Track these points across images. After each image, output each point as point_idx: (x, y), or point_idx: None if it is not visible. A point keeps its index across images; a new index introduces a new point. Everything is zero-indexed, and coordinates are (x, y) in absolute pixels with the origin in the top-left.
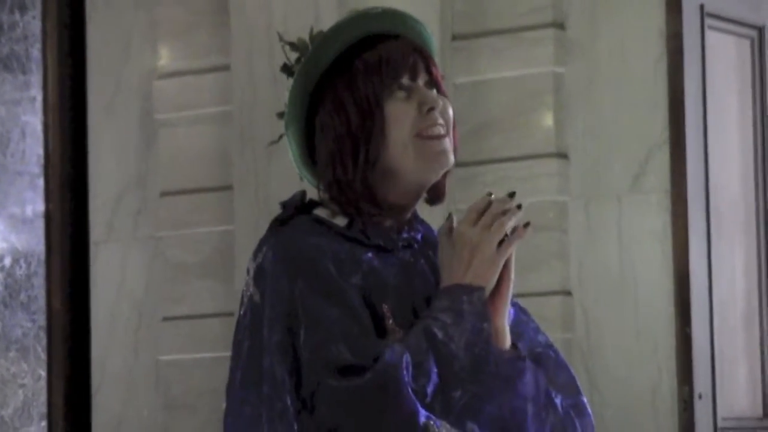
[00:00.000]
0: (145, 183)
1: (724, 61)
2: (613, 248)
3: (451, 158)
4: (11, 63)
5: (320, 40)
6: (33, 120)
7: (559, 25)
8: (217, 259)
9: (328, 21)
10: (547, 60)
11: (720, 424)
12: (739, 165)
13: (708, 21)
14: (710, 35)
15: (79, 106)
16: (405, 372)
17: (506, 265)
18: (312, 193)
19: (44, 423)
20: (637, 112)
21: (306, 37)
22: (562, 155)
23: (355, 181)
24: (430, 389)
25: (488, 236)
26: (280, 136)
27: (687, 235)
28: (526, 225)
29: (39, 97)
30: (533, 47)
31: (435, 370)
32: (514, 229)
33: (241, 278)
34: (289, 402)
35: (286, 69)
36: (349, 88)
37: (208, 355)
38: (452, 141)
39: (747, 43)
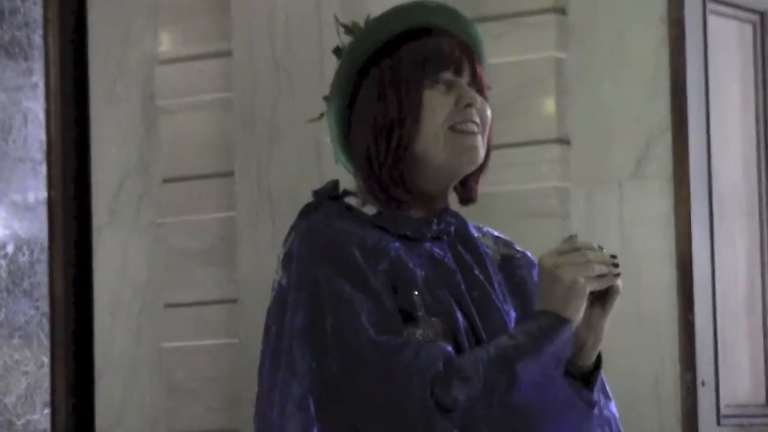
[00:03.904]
0: (147, 169)
1: (726, 46)
2: (615, 234)
3: (481, 155)
4: (13, 49)
5: (371, 24)
6: (35, 106)
7: (561, 11)
8: (219, 245)
9: (328, 7)
10: (548, 45)
11: (723, 411)
12: (741, 150)
13: (710, 5)
14: (712, 20)
15: (80, 92)
16: (427, 374)
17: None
18: (346, 182)
19: (47, 410)
20: (639, 97)
21: (361, 22)
22: (564, 141)
23: (386, 163)
24: (456, 405)
25: (572, 266)
26: (321, 115)
27: (689, 221)
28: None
29: (41, 84)
30: (534, 32)
31: (478, 389)
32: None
33: (243, 265)
34: (307, 386)
35: (338, 52)
36: (391, 72)
37: (210, 341)
38: (485, 142)
39: (749, 27)
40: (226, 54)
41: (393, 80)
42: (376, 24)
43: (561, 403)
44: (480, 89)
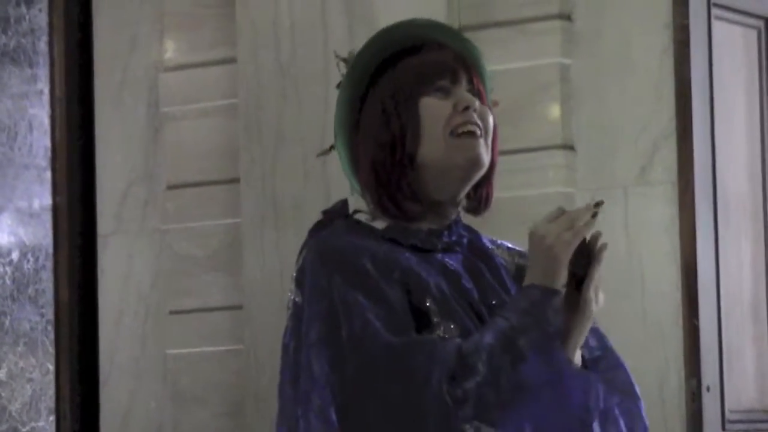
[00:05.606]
0: (152, 176)
1: (731, 52)
2: (620, 240)
3: (484, 158)
4: (18, 56)
5: (362, 49)
6: (40, 113)
7: (566, 17)
8: (224, 252)
9: (334, 14)
10: (553, 51)
11: (728, 416)
12: (746, 156)
13: (715, 11)
14: (717, 26)
15: (86, 99)
16: (442, 372)
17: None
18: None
19: (52, 417)
20: (644, 103)
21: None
22: (569, 147)
23: (393, 176)
24: (467, 395)
25: (563, 235)
26: (330, 147)
27: (694, 227)
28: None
29: (46, 90)
30: (540, 39)
31: (485, 375)
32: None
33: (248, 271)
34: (328, 397)
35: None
36: (389, 87)
37: (215, 348)
38: (489, 146)
39: (754, 33)
40: (231, 61)
41: (391, 95)
42: (368, 48)
43: (562, 374)
44: (480, 99)
